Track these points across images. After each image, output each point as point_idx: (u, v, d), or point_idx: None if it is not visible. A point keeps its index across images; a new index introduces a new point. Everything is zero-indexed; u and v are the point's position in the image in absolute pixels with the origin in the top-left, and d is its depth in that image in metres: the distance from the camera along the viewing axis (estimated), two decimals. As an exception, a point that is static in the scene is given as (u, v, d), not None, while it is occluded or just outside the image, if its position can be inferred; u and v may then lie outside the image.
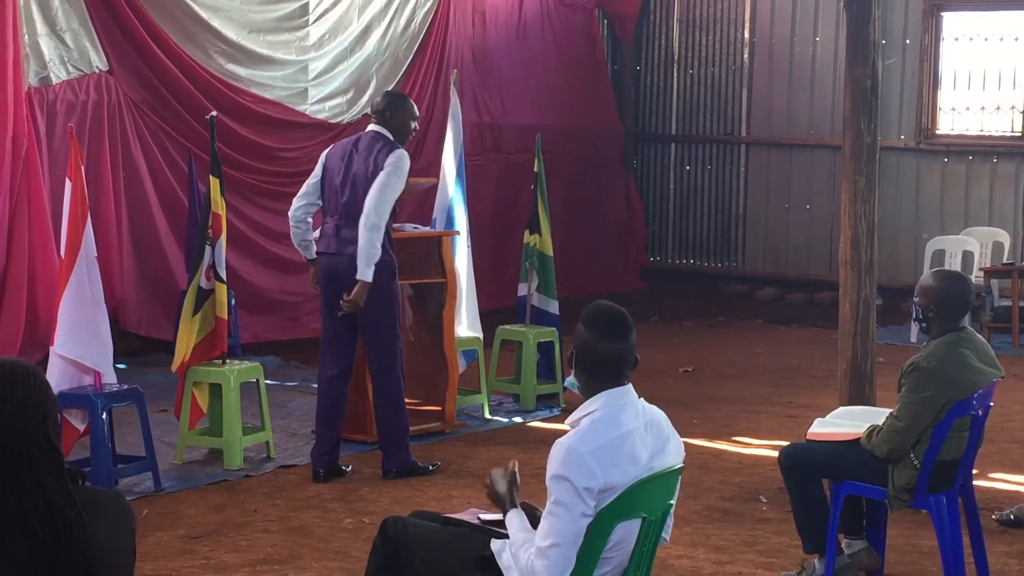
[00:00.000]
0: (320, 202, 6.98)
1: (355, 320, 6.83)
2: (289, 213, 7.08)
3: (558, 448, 3.54)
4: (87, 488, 2.71)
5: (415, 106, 7.11)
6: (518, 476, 3.84)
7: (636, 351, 3.72)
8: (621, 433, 3.58)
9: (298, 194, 7.05)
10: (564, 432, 3.65)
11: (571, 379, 3.77)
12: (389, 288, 6.83)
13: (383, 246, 6.72)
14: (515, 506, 3.76)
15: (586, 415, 3.64)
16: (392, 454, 6.99)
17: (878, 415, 5.42)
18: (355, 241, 6.72)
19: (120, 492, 2.91)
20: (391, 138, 6.83)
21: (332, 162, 6.92)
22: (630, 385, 3.71)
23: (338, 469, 6.96)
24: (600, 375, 3.67)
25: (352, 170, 6.80)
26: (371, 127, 6.93)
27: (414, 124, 7.00)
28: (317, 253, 7.00)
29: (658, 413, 3.74)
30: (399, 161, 6.74)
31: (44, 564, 2.57)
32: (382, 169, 6.70)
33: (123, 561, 2.74)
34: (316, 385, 8.79)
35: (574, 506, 3.48)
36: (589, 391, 3.68)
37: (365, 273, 6.64)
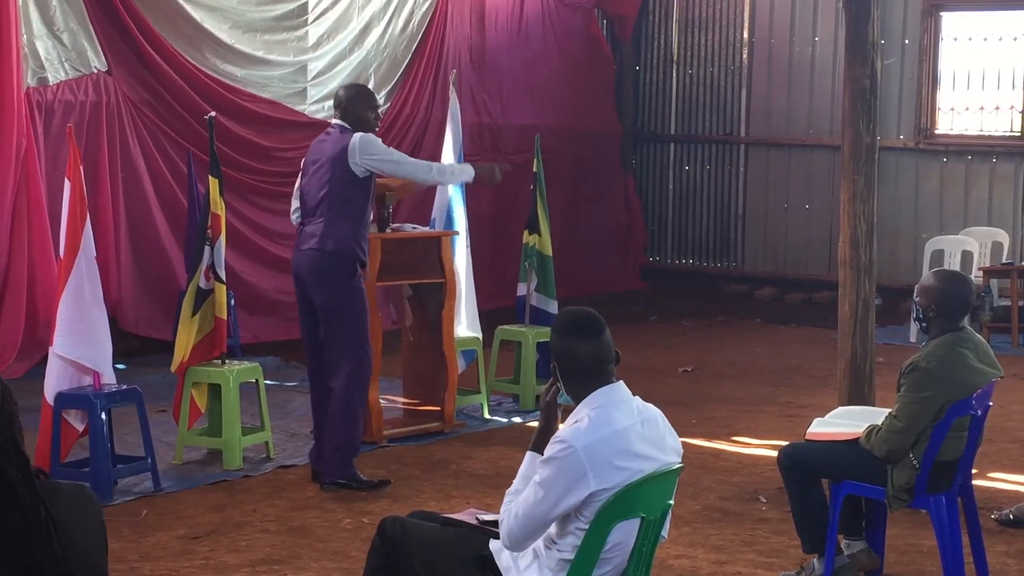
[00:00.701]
0: None
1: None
2: (292, 220, 7.02)
3: (555, 438, 3.59)
4: (49, 483, 2.72)
5: (373, 95, 7.04)
6: (558, 408, 3.84)
7: (615, 347, 3.73)
8: (616, 429, 3.59)
9: (292, 202, 6.98)
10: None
11: (563, 395, 3.78)
12: (347, 282, 6.62)
13: (349, 240, 6.62)
14: (536, 449, 3.74)
15: (583, 414, 3.65)
16: (327, 464, 6.72)
17: (877, 415, 5.41)
18: (314, 235, 6.65)
19: (84, 485, 2.89)
20: (349, 128, 6.71)
21: (305, 164, 6.87)
22: (621, 383, 3.72)
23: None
24: (585, 378, 3.69)
25: (315, 167, 6.74)
26: (333, 121, 6.88)
27: (372, 114, 6.82)
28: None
29: (654, 411, 3.75)
30: (364, 143, 6.60)
31: (21, 563, 2.57)
32: (346, 156, 6.57)
33: (94, 552, 2.74)
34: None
35: (552, 494, 3.53)
36: (580, 396, 3.70)
37: (468, 173, 7.11)
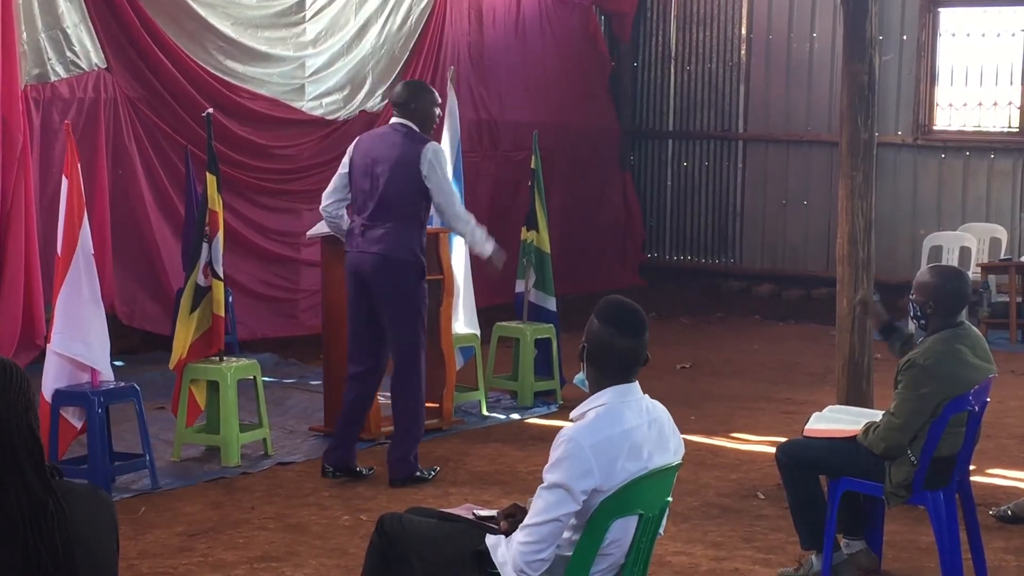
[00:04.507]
0: (350, 196, 6.86)
1: (380, 317, 6.75)
2: (321, 209, 6.97)
3: (560, 437, 3.57)
4: (64, 482, 2.71)
5: (436, 92, 7.00)
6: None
7: (648, 349, 3.72)
8: (624, 429, 3.58)
9: (327, 191, 6.92)
10: (561, 429, 3.65)
11: (580, 376, 3.76)
12: (416, 289, 6.71)
13: (415, 247, 6.71)
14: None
15: (590, 409, 3.65)
16: (397, 464, 6.82)
17: (871, 413, 5.40)
18: (380, 240, 6.65)
19: (99, 487, 2.89)
20: (416, 129, 6.72)
21: (358, 159, 6.78)
22: (636, 383, 3.71)
23: (350, 469, 6.86)
24: (609, 371, 3.67)
25: (378, 167, 6.69)
26: (393, 119, 6.81)
27: (437, 111, 6.92)
28: (345, 251, 6.89)
29: (662, 411, 3.75)
30: (437, 156, 6.68)
31: (21, 554, 2.57)
32: (418, 163, 6.61)
33: (104, 553, 2.74)
34: (315, 382, 8.86)
35: (563, 494, 3.51)
36: (597, 386, 3.69)
37: (487, 247, 6.89)
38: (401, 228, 6.64)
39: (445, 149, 8.62)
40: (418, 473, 6.83)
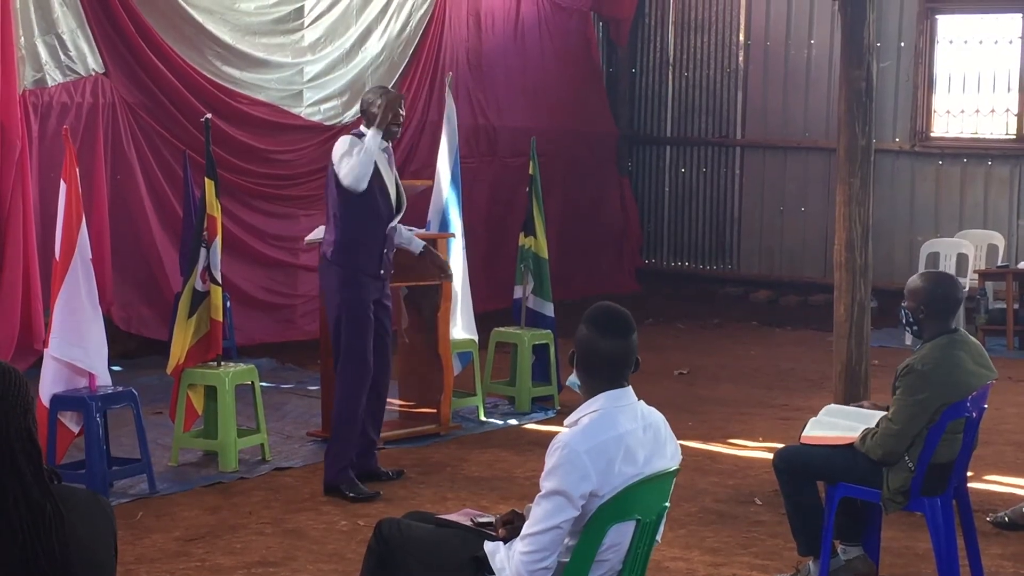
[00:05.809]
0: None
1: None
2: None
3: (555, 444, 3.57)
4: (63, 487, 2.71)
5: (387, 93, 6.69)
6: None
7: (637, 353, 3.72)
8: (618, 433, 3.59)
9: None
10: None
11: (573, 377, 3.78)
12: (340, 293, 6.58)
13: (332, 247, 6.59)
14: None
15: (584, 415, 3.65)
16: (326, 471, 6.72)
17: (867, 417, 5.40)
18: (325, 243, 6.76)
19: (98, 492, 2.89)
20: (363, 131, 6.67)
21: None
22: (630, 388, 3.71)
23: (375, 472, 6.85)
24: (597, 375, 3.68)
25: None
26: (361, 128, 6.82)
27: (391, 110, 6.56)
28: None
29: (657, 416, 3.75)
30: (337, 145, 6.55)
31: (19, 557, 2.57)
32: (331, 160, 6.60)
33: (102, 559, 2.74)
34: (313, 387, 8.85)
35: (562, 501, 3.51)
36: (589, 391, 3.69)
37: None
38: (328, 228, 6.71)
39: (443, 154, 8.66)
40: (343, 487, 6.61)
